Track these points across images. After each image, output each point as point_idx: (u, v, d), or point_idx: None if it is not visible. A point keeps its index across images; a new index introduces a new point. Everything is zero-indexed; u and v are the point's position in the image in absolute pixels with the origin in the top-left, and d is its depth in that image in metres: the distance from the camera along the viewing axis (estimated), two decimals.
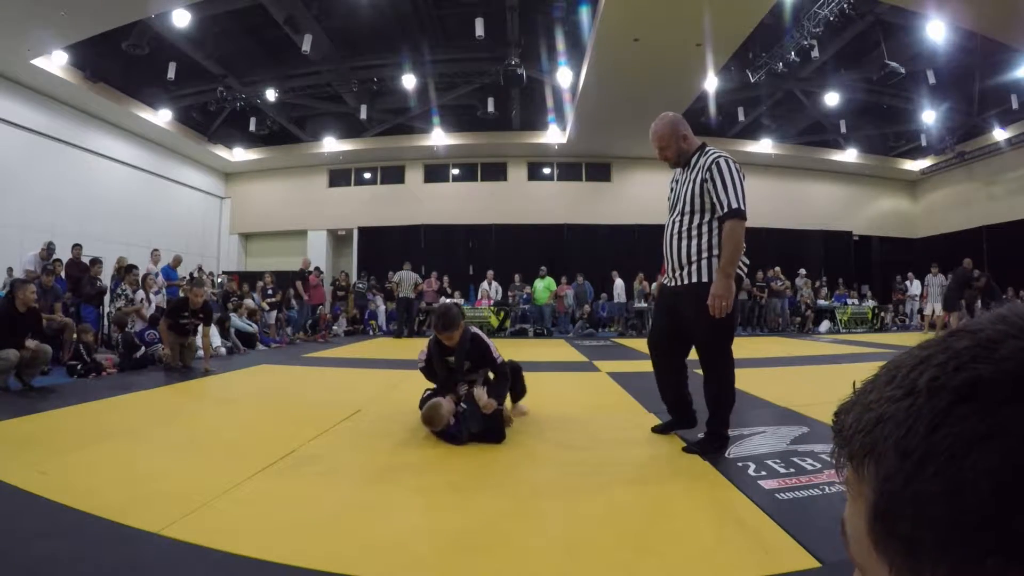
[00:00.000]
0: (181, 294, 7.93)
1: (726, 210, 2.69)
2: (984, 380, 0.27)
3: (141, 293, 8.23)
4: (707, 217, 2.78)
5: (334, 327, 12.44)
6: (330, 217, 17.27)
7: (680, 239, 2.85)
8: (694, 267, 2.80)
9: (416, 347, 3.66)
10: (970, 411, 0.27)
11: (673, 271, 2.91)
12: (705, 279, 2.74)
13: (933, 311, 12.33)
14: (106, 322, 8.59)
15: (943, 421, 0.27)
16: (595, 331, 12.73)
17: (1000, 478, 0.25)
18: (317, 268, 13.84)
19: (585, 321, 13.02)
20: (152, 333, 7.09)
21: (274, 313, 10.83)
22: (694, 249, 2.80)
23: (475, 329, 3.45)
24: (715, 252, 2.74)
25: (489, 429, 3.06)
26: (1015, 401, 0.26)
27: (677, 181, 2.98)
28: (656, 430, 3.22)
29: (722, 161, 2.75)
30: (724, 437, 2.84)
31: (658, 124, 2.97)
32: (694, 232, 2.81)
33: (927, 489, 0.27)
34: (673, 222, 2.92)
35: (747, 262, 2.89)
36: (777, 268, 13.24)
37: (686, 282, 2.82)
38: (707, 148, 2.89)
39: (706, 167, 2.76)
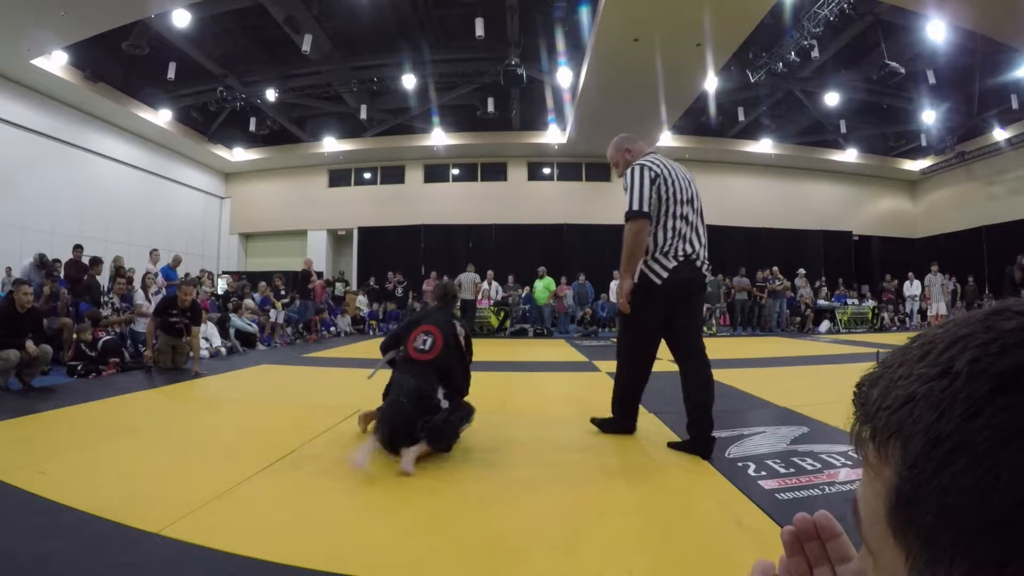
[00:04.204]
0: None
1: (625, 214, 2.82)
2: None
3: (141, 294, 8.21)
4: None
5: (343, 327, 12.47)
6: (330, 217, 17.29)
7: None
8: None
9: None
10: (1013, 401, 0.24)
11: None
12: (637, 279, 2.91)
13: (937, 312, 12.30)
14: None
15: (981, 409, 0.24)
16: (597, 330, 12.72)
17: None
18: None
19: (587, 322, 12.97)
20: None
21: (283, 313, 10.82)
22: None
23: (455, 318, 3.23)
24: (648, 255, 2.87)
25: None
26: None
27: None
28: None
29: (627, 171, 2.90)
30: (708, 438, 2.75)
31: (608, 148, 3.20)
32: None
33: (956, 482, 0.24)
34: None
35: (668, 265, 2.81)
36: (775, 268, 13.23)
37: None
38: (647, 157, 2.96)
39: None
